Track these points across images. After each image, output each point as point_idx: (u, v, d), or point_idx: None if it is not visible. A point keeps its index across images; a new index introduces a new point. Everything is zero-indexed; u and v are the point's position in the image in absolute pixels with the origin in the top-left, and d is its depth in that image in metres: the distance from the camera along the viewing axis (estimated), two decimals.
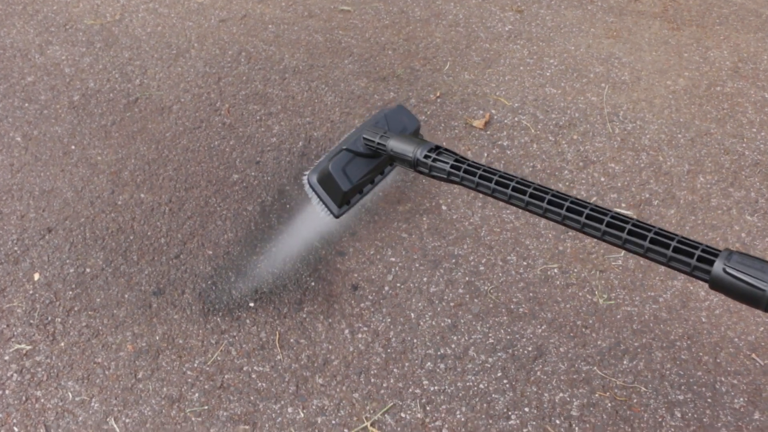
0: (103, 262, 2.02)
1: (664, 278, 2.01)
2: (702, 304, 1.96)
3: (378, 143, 1.36)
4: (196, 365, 1.82)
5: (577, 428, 1.72)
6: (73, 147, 2.30)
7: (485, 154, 2.32)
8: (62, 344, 1.85)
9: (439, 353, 1.85)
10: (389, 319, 1.91)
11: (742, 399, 1.78)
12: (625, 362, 1.84)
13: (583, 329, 1.90)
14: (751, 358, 1.85)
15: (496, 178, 1.18)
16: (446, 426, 1.72)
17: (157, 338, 1.87)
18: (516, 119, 2.45)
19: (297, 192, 2.21)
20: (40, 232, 2.08)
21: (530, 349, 1.86)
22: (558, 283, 1.99)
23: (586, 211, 1.06)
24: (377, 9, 3.00)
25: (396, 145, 1.31)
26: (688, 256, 0.96)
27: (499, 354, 1.85)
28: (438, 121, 2.43)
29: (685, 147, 2.38)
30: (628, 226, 1.01)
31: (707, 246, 0.96)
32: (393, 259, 2.04)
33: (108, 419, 1.73)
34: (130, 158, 2.29)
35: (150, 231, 2.10)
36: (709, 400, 1.78)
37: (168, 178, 2.23)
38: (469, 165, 1.23)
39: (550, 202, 1.10)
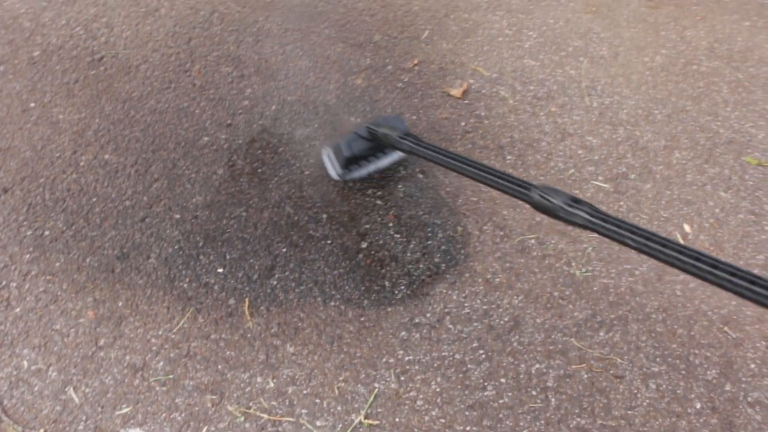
0: (64, 225, 1.92)
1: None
2: (677, 278, 1.96)
3: (371, 128, 1.91)
4: (161, 333, 1.74)
5: (553, 399, 1.70)
6: (32, 104, 2.19)
7: (462, 123, 2.27)
8: (17, 310, 1.76)
9: (414, 322, 1.81)
10: (363, 287, 1.86)
11: (714, 371, 1.78)
12: (601, 334, 1.83)
13: (560, 300, 1.88)
14: (723, 331, 1.85)
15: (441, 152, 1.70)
16: (421, 396, 1.68)
17: (120, 304, 1.78)
18: (494, 89, 2.41)
19: (269, 157, 2.13)
20: None
21: (506, 319, 1.83)
22: (535, 254, 1.96)
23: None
24: None
25: (384, 131, 1.85)
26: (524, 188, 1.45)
27: (475, 324, 1.82)
28: (415, 89, 2.37)
29: (661, 123, 2.37)
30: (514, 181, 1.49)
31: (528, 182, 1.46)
32: (367, 227, 1.99)
33: (66, 389, 1.65)
34: (95, 118, 2.18)
35: (114, 193, 2.00)
36: (683, 372, 1.78)
37: (134, 140, 2.13)
38: (415, 138, 1.81)
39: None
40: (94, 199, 1.98)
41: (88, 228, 1.92)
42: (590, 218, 1.33)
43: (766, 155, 2.29)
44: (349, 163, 1.97)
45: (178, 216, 1.97)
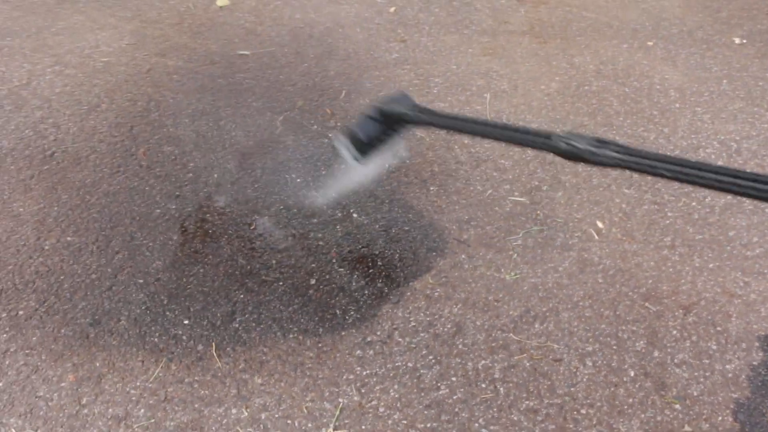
0: (36, 303, 2.08)
1: (561, 250, 2.24)
2: (597, 268, 2.19)
3: (382, 108, 1.81)
4: (138, 384, 1.89)
5: (502, 388, 1.89)
6: None
7: (386, 164, 2.53)
8: (0, 384, 1.89)
9: (366, 341, 2.00)
10: (317, 318, 2.05)
11: (642, 342, 1.99)
12: (536, 326, 2.03)
13: (495, 303, 2.09)
14: (645, 306, 2.08)
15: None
16: (382, 404, 1.85)
17: (98, 364, 1.94)
18: (411, 132, 2.68)
19: (217, 218, 2.34)
20: None
21: (449, 326, 2.03)
22: (467, 266, 2.19)
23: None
24: (273, 52, 3.22)
25: (397, 109, 1.77)
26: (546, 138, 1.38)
27: (421, 334, 2.01)
28: None
29: None
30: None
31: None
32: (314, 266, 2.19)
33: None
34: (53, 206, 2.37)
35: (80, 269, 2.18)
36: (614, 347, 1.98)
37: (92, 220, 2.33)
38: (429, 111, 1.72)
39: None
40: (62, 277, 2.15)
41: (60, 303, 2.09)
42: (620, 156, 1.30)
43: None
44: (366, 147, 1.92)
45: (141, 281, 2.15)
